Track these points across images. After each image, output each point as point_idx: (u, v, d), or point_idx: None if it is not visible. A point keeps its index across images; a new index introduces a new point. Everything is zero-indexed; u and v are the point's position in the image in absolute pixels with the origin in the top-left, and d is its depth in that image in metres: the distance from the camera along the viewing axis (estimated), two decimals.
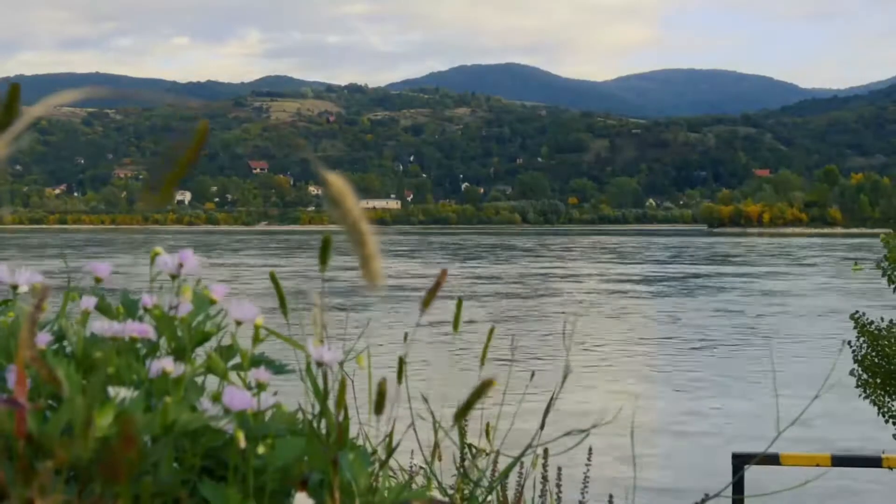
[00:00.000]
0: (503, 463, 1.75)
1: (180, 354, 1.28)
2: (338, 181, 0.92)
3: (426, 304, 1.28)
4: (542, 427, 1.61)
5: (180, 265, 1.31)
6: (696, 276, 71.58)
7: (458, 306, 1.53)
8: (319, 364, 1.21)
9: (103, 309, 1.35)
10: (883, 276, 12.84)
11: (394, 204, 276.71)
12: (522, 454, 1.62)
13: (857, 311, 12.85)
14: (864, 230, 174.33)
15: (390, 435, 1.31)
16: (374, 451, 1.31)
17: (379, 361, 1.39)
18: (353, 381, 1.28)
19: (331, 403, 1.21)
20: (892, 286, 12.74)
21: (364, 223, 0.93)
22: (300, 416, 1.23)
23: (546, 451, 2.64)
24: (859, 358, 12.58)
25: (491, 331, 1.62)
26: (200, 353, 1.30)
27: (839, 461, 5.55)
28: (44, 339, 1.23)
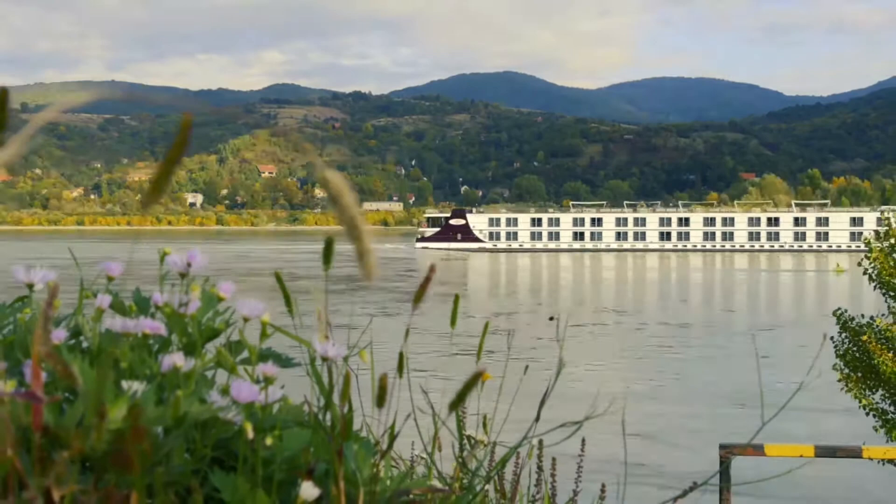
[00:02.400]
0: (500, 453, 1.74)
1: (191, 350, 1.28)
2: (336, 179, 0.91)
3: (417, 299, 1.27)
4: (537, 419, 1.61)
5: (188, 264, 1.31)
6: (687, 272, 71.57)
7: (455, 303, 1.53)
8: (324, 359, 1.21)
9: (117, 307, 1.35)
10: (864, 274, 12.83)
11: (396, 206, 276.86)
12: (518, 445, 1.61)
13: (839, 308, 12.83)
14: None
15: (392, 426, 1.31)
16: (377, 442, 1.30)
17: (382, 356, 1.39)
18: (356, 376, 1.28)
19: (335, 396, 1.20)
20: (873, 285, 12.73)
21: (361, 219, 0.93)
22: (306, 408, 1.23)
23: (541, 441, 2.64)
24: (841, 353, 12.56)
25: (486, 325, 1.61)
26: (210, 349, 1.30)
27: (822, 452, 5.54)
28: (60, 335, 1.23)
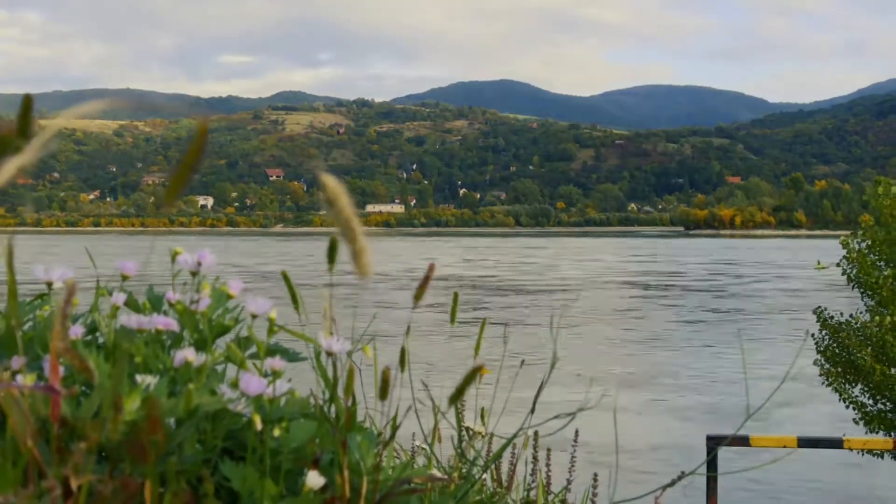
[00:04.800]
0: (497, 444, 1.74)
1: (202, 345, 1.28)
2: (332, 182, 0.91)
3: (417, 297, 1.25)
4: (532, 411, 1.61)
5: (199, 263, 1.31)
6: (677, 272, 71.57)
7: (454, 300, 1.53)
8: (329, 354, 1.21)
9: (131, 304, 1.35)
10: (843, 274, 12.83)
11: (398, 208, 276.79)
12: (514, 436, 1.61)
13: (819, 307, 12.84)
14: (826, 232, 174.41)
15: (394, 418, 1.31)
16: (380, 434, 1.30)
17: (384, 351, 1.39)
18: (360, 370, 1.28)
19: (340, 390, 1.20)
20: (852, 283, 12.73)
21: (355, 220, 0.93)
22: (312, 401, 1.23)
23: (536, 433, 2.64)
24: (822, 349, 12.57)
25: (483, 323, 1.61)
26: (220, 344, 1.30)
27: (805, 443, 5.53)
28: (77, 331, 1.23)
